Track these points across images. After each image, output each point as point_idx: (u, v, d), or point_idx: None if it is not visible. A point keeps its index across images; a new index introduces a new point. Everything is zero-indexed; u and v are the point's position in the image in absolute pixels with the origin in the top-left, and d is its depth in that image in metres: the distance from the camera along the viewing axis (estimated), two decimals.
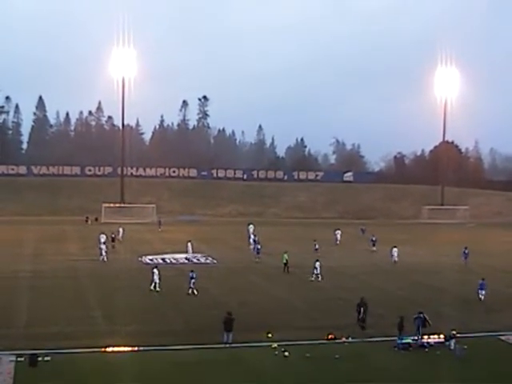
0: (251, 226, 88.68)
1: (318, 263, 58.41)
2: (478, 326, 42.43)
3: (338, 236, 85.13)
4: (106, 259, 66.52)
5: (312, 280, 57.70)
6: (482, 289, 51.42)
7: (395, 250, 69.75)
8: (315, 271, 58.00)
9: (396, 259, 69.23)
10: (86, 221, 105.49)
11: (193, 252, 71.61)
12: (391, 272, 63.73)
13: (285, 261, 61.73)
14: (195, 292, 50.50)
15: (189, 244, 72.44)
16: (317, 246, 73.94)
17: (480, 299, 50.97)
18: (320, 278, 57.60)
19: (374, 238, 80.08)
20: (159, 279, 51.69)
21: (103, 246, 68.05)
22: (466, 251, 69.70)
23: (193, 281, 50.98)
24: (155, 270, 52.25)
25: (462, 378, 32.48)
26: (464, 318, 44.16)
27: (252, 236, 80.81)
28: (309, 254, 69.14)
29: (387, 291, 54.13)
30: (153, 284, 51.63)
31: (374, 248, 78.34)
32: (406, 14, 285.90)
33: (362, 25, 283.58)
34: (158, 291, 51.11)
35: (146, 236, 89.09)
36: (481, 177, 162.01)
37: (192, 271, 52.29)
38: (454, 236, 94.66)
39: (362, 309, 41.20)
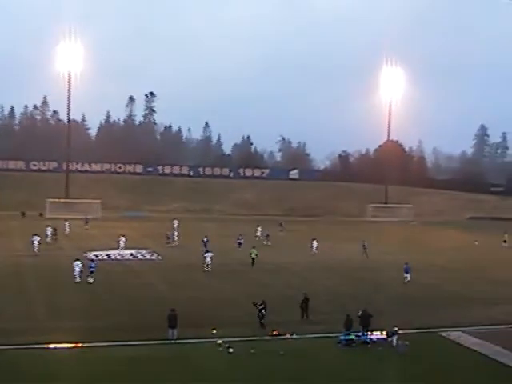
0: (175, 221, 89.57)
1: (209, 254, 60.81)
2: (420, 322, 42.96)
3: (258, 233, 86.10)
4: (37, 251, 66.67)
5: (205, 271, 59.59)
6: (407, 272, 56.84)
7: (315, 242, 73.01)
8: (205, 261, 60.22)
9: (315, 251, 72.17)
10: (23, 215, 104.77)
11: (125, 247, 70.93)
12: (332, 269, 64.09)
13: (254, 255, 63.74)
14: (91, 281, 52.10)
15: (121, 238, 71.81)
16: (240, 241, 75.69)
17: (405, 282, 56.33)
18: (209, 269, 59.83)
19: (267, 233, 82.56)
20: (81, 271, 52.50)
21: (35, 238, 67.68)
22: (365, 244, 72.95)
23: (91, 270, 52.72)
24: (78, 263, 52.94)
25: (403, 374, 32.97)
26: (405, 314, 44.67)
27: (174, 232, 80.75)
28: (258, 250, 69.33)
29: (330, 288, 54.47)
30: (75, 276, 52.29)
31: (269, 243, 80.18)
32: (355, 18, 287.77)
33: (309, 26, 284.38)
34: (77, 282, 51.90)
35: (91, 232, 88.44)
36: (424, 176, 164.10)
37: (92, 260, 55.31)
38: (397, 234, 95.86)
39: (262, 306, 40.76)
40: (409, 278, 56.69)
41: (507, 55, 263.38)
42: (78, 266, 52.60)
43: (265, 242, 79.98)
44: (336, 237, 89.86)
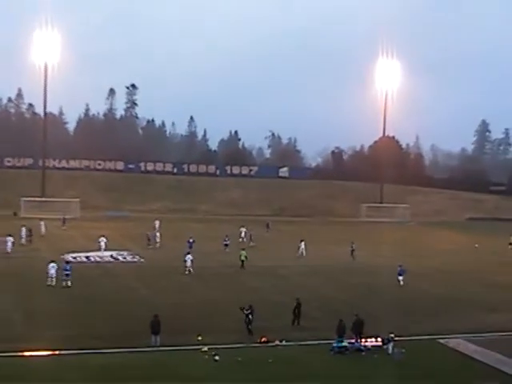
0: (157, 221, 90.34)
1: (189, 256, 60.87)
2: (416, 328, 43.02)
3: (243, 234, 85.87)
4: (9, 251, 66.92)
5: (186, 274, 59.70)
6: (400, 274, 57.47)
7: (302, 243, 72.93)
8: (186, 264, 60.31)
9: (303, 252, 72.39)
10: None
11: (106, 249, 70.66)
12: (326, 273, 64.09)
13: (243, 258, 63.89)
14: (69, 284, 52.08)
15: (101, 239, 71.59)
16: (227, 242, 75.86)
17: (399, 284, 56.93)
18: (191, 271, 59.95)
19: (250, 234, 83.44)
20: (56, 273, 52.47)
21: (9, 239, 67.84)
22: (353, 246, 73.55)
23: (66, 272, 52.57)
24: (53, 265, 52.93)
25: (399, 382, 32.96)
26: (401, 320, 44.65)
27: (155, 233, 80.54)
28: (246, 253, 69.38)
29: (323, 293, 54.44)
30: (50, 279, 52.32)
31: (254, 243, 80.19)
32: (351, 10, 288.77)
33: (301, 18, 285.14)
34: (51, 285, 51.93)
35: (69, 232, 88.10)
36: (422, 174, 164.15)
37: (67, 263, 55.23)
38: (393, 235, 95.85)
39: (249, 311, 40.62)
40: (402, 282, 57.15)
41: (509, 49, 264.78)
42: (53, 269, 52.43)
43: (250, 244, 79.86)
44: (328, 238, 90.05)
